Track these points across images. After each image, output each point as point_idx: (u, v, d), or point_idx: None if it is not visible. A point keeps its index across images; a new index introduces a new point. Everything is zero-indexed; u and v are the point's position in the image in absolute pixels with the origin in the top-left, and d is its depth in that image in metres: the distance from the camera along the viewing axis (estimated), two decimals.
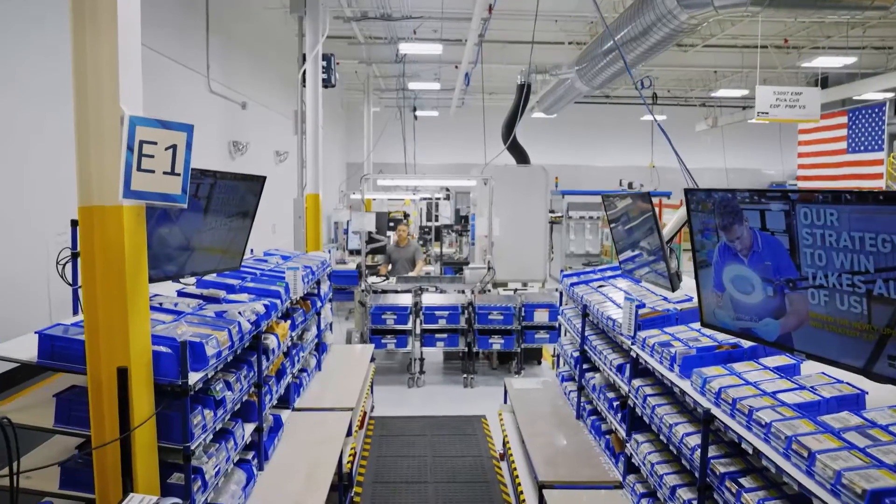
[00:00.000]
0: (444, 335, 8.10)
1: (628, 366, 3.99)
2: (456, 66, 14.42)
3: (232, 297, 4.32)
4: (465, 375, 8.19)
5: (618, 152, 20.28)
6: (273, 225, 12.36)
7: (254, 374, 3.96)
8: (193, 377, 3.00)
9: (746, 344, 3.22)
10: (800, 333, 2.54)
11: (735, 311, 2.90)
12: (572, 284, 5.47)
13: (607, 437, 4.41)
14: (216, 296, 4.18)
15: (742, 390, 2.69)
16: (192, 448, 2.97)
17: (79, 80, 2.60)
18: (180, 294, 4.17)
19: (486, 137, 11.17)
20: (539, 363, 9.13)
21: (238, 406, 3.66)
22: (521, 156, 10.03)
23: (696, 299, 4.25)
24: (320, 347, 6.31)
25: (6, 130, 5.23)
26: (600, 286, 5.22)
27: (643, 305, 4.08)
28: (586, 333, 4.95)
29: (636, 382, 3.76)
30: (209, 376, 3.17)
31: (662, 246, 4.26)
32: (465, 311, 8.16)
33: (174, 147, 2.66)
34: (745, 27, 12.46)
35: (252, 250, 6.37)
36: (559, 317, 5.98)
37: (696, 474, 2.84)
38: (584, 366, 4.98)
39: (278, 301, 4.58)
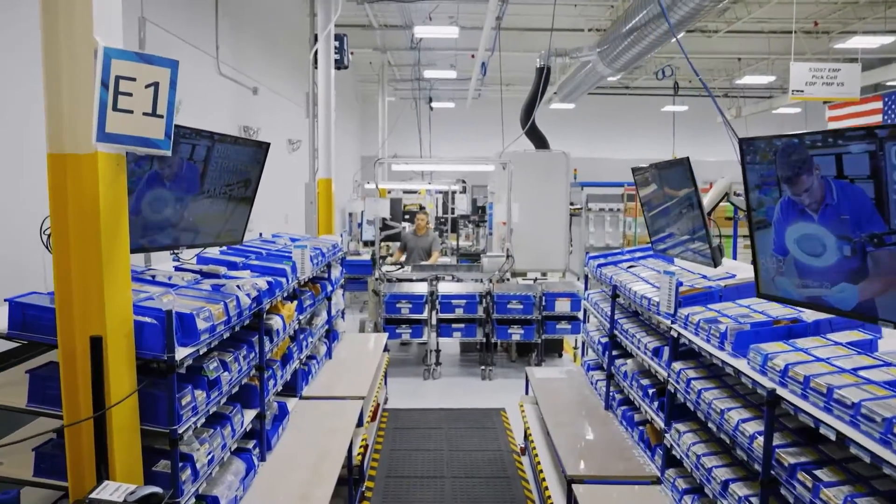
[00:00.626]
0: (461, 325, 7.73)
1: (667, 348, 3.59)
2: (472, 55, 14.05)
3: (234, 273, 3.98)
4: (482, 367, 7.81)
5: (637, 145, 19.78)
6: (286, 215, 12.09)
7: (255, 355, 3.61)
8: (182, 352, 2.65)
9: (810, 317, 2.82)
10: (887, 300, 2.14)
11: (801, 277, 2.50)
12: (599, 266, 5.07)
13: (641, 428, 4.01)
14: (216, 272, 3.83)
15: (814, 367, 2.29)
16: (180, 432, 2.62)
17: (47, 7, 2.26)
18: (178, 270, 3.83)
19: (503, 124, 10.79)
20: (560, 356, 8.72)
21: (236, 389, 3.31)
22: (540, 141, 9.64)
23: (739, 276, 3.85)
24: (331, 335, 5.96)
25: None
26: (630, 267, 4.82)
27: (681, 284, 3.68)
28: (616, 317, 4.55)
29: (677, 365, 3.36)
30: (201, 353, 2.82)
31: (703, 217, 3.85)
32: (483, 300, 7.79)
33: (156, 85, 2.31)
34: (773, 10, 11.97)
35: (261, 234, 6.05)
36: (584, 302, 5.58)
37: (757, 467, 2.44)
38: (614, 352, 4.58)
39: (284, 280, 4.24)
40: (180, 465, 2.69)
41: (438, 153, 18.09)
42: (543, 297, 7.70)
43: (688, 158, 3.90)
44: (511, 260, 8.28)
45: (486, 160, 8.35)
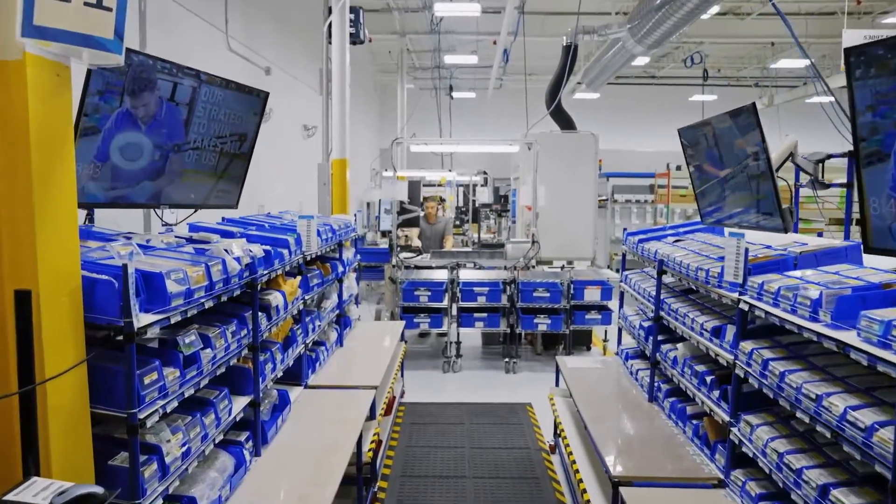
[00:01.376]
0: (484, 315, 7.17)
1: (731, 326, 3.01)
2: (494, 41, 13.50)
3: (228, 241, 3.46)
4: (506, 360, 7.24)
5: (664, 136, 18.82)
6: (300, 203, 11.63)
7: (248, 333, 3.09)
8: (145, 319, 2.14)
9: None
10: None
11: None
12: (641, 241, 4.48)
13: (696, 422, 3.42)
14: (206, 240, 3.33)
15: None
16: (142, 417, 2.10)
17: None
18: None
19: (527, 107, 10.21)
20: (588, 348, 8.12)
21: (222, 370, 2.79)
22: (566, 123, 9.04)
23: (812, 244, 3.26)
24: (343, 321, 5.44)
25: None
26: (677, 241, 4.23)
27: (747, 252, 3.10)
28: (662, 297, 3.97)
29: (747, 345, 2.77)
30: (173, 322, 2.31)
31: (772, 176, 3.26)
32: (507, 289, 7.22)
33: None
34: None
35: (269, 214, 5.55)
36: (621, 285, 5.00)
37: (881, 469, 1.86)
38: (659, 337, 4.00)
39: (286, 251, 3.72)
40: (144, 458, 2.17)
41: (457, 148, 17.54)
42: (572, 285, 7.12)
43: (754, 105, 3.31)
44: (537, 246, 7.71)
45: (510, 141, 7.78)
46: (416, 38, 14.12)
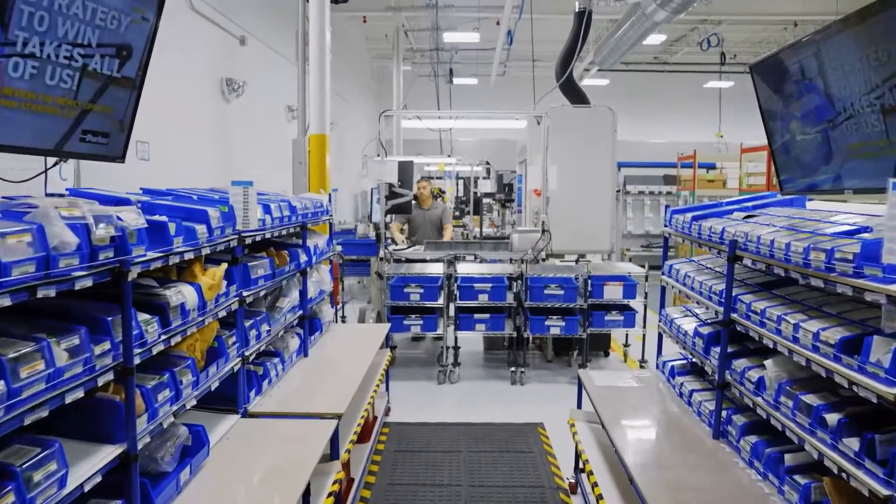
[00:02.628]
0: (486, 316, 6.00)
1: (878, 339, 1.85)
2: (497, 22, 12.34)
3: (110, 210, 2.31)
4: (512, 369, 6.08)
5: (677, 126, 17.80)
6: (283, 192, 10.50)
7: (110, 347, 1.94)
8: None
9: None
10: None
11: None
12: (696, 219, 3.31)
13: (805, 480, 2.26)
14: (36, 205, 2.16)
15: None
16: None
17: None
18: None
19: (535, 94, 9.03)
20: (606, 354, 6.97)
21: (42, 412, 1.64)
22: (578, 98, 7.88)
23: None
24: (309, 325, 4.29)
25: None
26: (748, 217, 3.06)
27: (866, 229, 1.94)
28: (735, 292, 2.81)
29: None
30: None
31: None
32: (513, 285, 6.07)
33: None
34: None
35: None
36: (663, 277, 3.83)
37: None
38: (730, 348, 2.83)
39: (201, 228, 2.57)
40: None
41: (459, 135, 16.37)
42: (589, 281, 5.95)
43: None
44: (547, 236, 6.55)
45: (516, 114, 6.59)
46: (414, 18, 12.96)
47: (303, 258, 4.05)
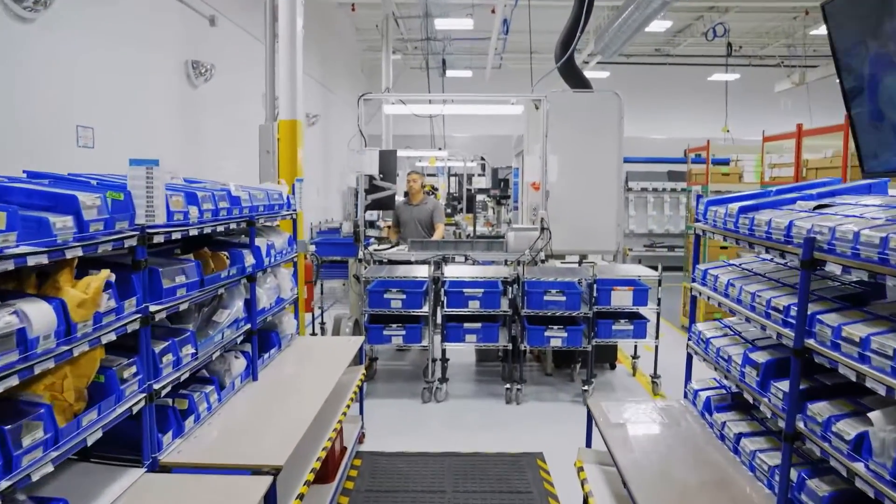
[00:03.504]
0: (477, 325, 5.23)
1: None
2: (493, 10, 11.58)
3: None
4: (507, 386, 5.31)
5: (680, 121, 17.04)
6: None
7: None
8: None
9: None
10: None
11: None
12: (745, 210, 2.53)
13: None
14: None
15: None
16: None
17: None
18: None
19: (532, 71, 8.27)
20: (612, 367, 6.22)
21: None
22: (580, 83, 7.11)
23: None
24: (261, 341, 3.52)
25: None
26: (820, 207, 2.29)
27: None
28: (812, 310, 2.03)
29: None
30: None
31: None
32: (509, 290, 5.30)
33: None
34: None
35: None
36: (696, 285, 3.07)
37: None
38: (802, 385, 2.06)
39: (64, 220, 1.80)
40: None
41: (453, 132, 15.60)
42: (595, 286, 5.18)
43: None
44: (547, 234, 5.78)
45: (512, 97, 5.80)
46: (405, 5, 12.19)
47: (249, 261, 3.27)
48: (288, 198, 4.10)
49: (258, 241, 3.47)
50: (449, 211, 9.96)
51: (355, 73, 15.83)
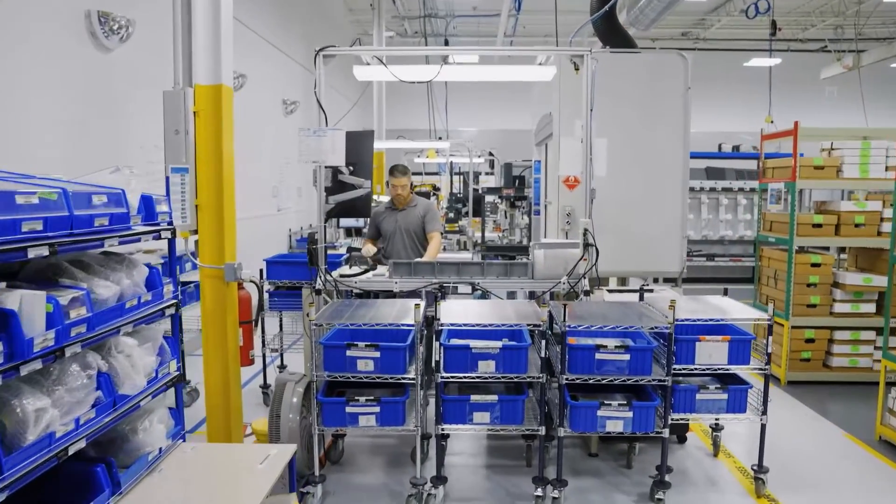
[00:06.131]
0: (491, 398, 3.30)
1: None
2: None
3: None
4: (538, 493, 3.36)
5: (712, 112, 14.98)
6: (274, 187, 7.91)
7: None
8: None
9: None
10: None
11: None
12: None
13: None
14: None
15: None
16: None
17: None
18: None
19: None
20: (682, 440, 4.28)
21: None
22: (623, 42, 5.20)
23: None
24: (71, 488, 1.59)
25: None
26: None
27: None
28: None
29: None
30: None
31: None
32: (539, 341, 3.35)
33: None
34: None
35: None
36: None
37: None
38: None
39: None
40: None
41: (457, 125, 13.63)
42: (674, 334, 3.25)
43: None
44: (592, 253, 3.85)
45: (540, 51, 3.84)
46: None
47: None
48: (146, 202, 2.18)
49: (27, 301, 1.55)
50: (451, 216, 8.03)
51: (348, 59, 13.91)
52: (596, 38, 5.65)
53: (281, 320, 5.16)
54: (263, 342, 4.87)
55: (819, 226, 5.37)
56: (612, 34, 5.22)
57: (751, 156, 12.25)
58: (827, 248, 6.04)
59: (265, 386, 4.89)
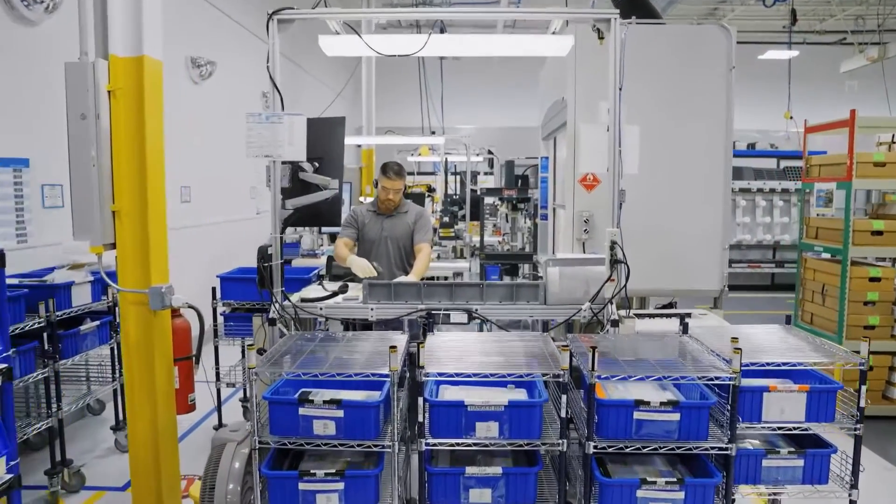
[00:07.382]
0: (494, 472, 2.45)
1: None
2: None
3: None
4: None
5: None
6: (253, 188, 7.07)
7: None
8: None
9: None
10: None
11: None
12: None
13: None
14: None
15: None
16: None
17: None
18: None
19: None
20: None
21: None
22: (645, 13, 4.36)
23: None
24: None
25: None
26: None
27: None
28: None
29: None
30: None
31: None
32: (557, 393, 2.50)
33: None
34: None
35: None
36: None
37: None
38: None
39: None
40: None
41: (454, 121, 12.80)
42: (738, 385, 2.40)
43: None
44: (622, 272, 3.01)
45: (557, 13, 3.05)
46: None
47: None
48: None
49: None
50: (447, 219, 7.18)
51: (339, 63, 13.04)
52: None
53: (244, 348, 4.30)
54: (218, 375, 4.02)
55: (879, 233, 4.53)
56: (633, 5, 4.38)
57: (769, 153, 11.44)
58: (884, 260, 5.20)
59: (217, 427, 4.04)
